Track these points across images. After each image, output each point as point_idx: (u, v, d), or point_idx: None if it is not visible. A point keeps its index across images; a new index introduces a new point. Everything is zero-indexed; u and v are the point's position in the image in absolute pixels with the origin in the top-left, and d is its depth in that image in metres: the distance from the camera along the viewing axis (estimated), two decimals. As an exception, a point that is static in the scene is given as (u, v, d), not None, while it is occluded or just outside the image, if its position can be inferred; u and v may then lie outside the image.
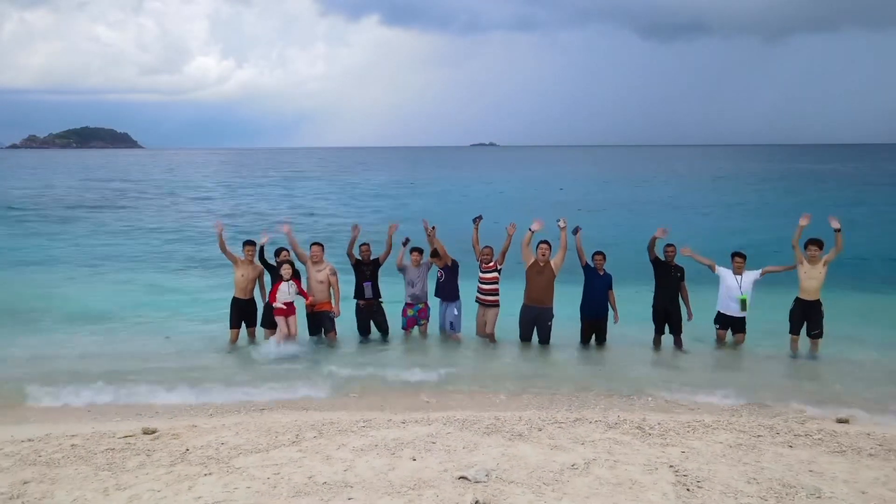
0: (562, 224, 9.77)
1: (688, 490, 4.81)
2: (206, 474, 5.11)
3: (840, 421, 7.29)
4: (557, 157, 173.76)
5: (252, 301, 10.09)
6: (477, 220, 10.13)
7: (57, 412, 7.39)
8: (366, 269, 10.13)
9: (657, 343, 10.25)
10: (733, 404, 7.56)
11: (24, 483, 5.00)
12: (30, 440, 6.15)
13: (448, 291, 10.25)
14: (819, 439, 5.99)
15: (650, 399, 7.76)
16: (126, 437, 6.13)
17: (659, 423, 6.40)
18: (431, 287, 10.30)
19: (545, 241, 9.86)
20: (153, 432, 6.27)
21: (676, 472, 5.15)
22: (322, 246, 10.22)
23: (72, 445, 5.92)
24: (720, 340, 10.23)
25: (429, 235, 10.05)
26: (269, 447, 5.73)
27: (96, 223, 28.15)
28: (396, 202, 38.55)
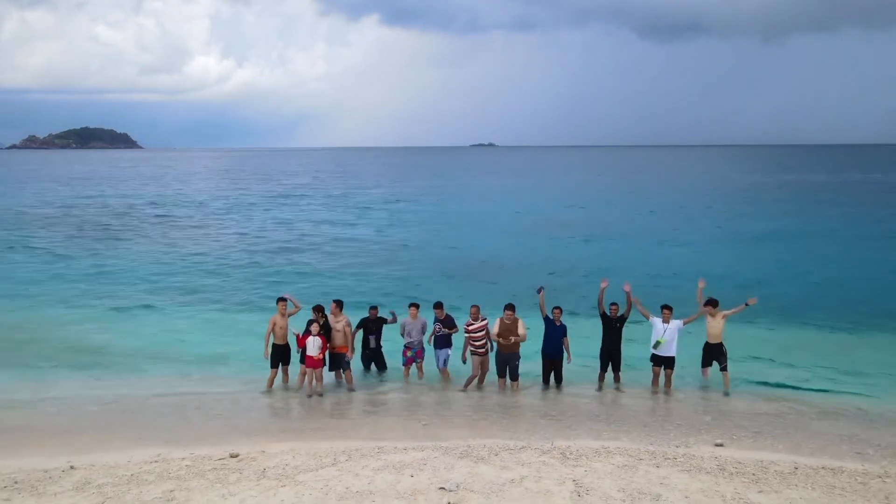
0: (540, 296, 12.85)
1: (580, 496, 7.91)
2: (281, 486, 8.22)
3: (717, 445, 10.40)
4: (556, 159, 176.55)
5: (287, 346, 13.16)
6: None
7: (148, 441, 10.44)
8: (372, 326, 13.29)
9: (601, 379, 13.33)
10: (638, 434, 10.66)
11: (171, 491, 8.11)
12: (154, 461, 9.26)
13: (444, 341, 13.39)
14: (678, 461, 9.10)
15: (579, 430, 10.87)
16: (220, 459, 9.25)
17: (577, 450, 9.52)
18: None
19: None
20: (237, 456, 9.39)
21: (577, 484, 8.25)
22: (341, 303, 13.34)
23: (187, 466, 9.03)
24: (655, 376, 13.27)
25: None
26: (318, 467, 8.83)
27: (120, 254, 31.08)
28: (376, 231, 38.81)
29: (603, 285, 13.18)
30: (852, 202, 53.83)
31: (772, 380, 13.53)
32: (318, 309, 12.91)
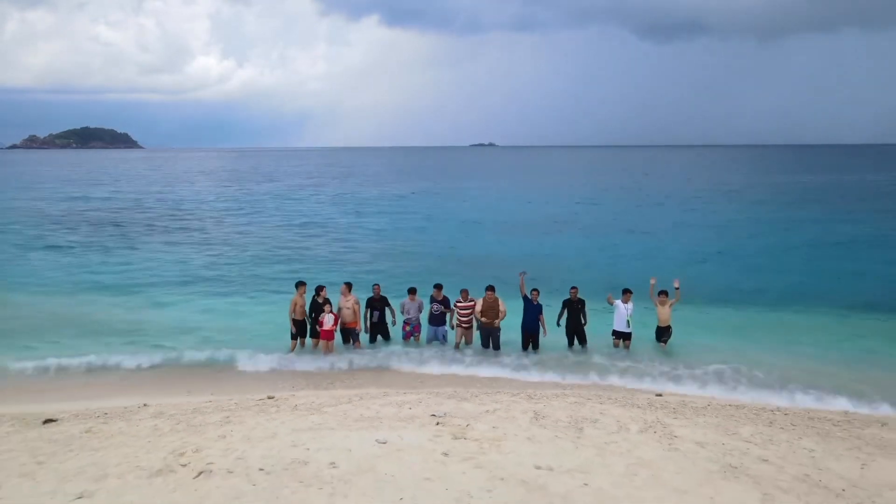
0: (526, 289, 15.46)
1: (536, 420, 10.50)
2: (311, 414, 10.81)
3: (657, 395, 12.98)
4: (556, 161, 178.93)
5: (304, 321, 15.74)
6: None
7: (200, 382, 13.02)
8: (376, 304, 15.84)
9: (569, 347, 15.91)
10: (591, 382, 13.26)
11: (227, 417, 10.70)
12: (208, 402, 11.86)
13: (440, 319, 15.97)
14: (618, 400, 11.69)
15: (544, 380, 13.47)
16: (260, 399, 11.85)
17: (540, 393, 12.12)
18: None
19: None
20: (273, 398, 11.99)
21: (536, 413, 10.84)
22: (350, 285, 15.93)
23: (235, 403, 11.63)
24: (615, 346, 15.87)
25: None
26: (337, 404, 11.43)
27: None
28: (384, 227, 41.34)
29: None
30: (822, 208, 56.32)
31: (708, 352, 16.08)
32: (321, 287, 15.50)
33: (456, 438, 9.27)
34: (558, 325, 15.77)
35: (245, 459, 8.40)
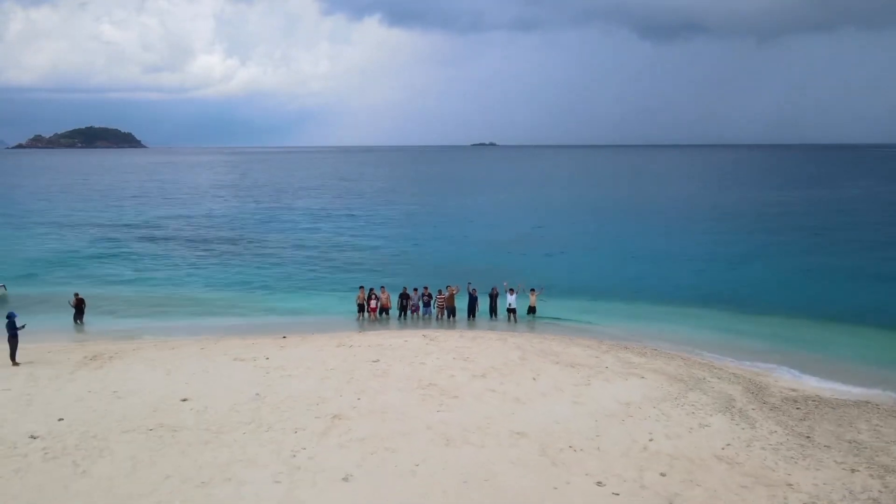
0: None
1: (465, 361, 16.80)
2: (359, 345, 17.26)
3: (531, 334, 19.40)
4: (554, 165, 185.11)
5: (362, 304, 22.54)
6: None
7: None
8: (403, 299, 22.78)
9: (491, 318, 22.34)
10: (499, 333, 19.70)
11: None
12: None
13: (427, 303, 22.78)
14: (519, 339, 18.12)
15: (467, 329, 19.96)
16: (339, 345, 18.31)
17: (465, 335, 18.64)
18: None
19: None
20: (344, 345, 18.49)
21: (465, 358, 17.16)
22: (384, 287, 23.03)
23: (328, 337, 18.15)
24: (508, 318, 22.25)
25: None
26: (364, 338, 17.94)
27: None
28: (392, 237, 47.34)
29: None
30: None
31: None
32: (366, 289, 22.97)
33: (432, 342, 15.81)
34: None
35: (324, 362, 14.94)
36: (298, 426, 12.08)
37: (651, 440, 11.57)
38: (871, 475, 10.42)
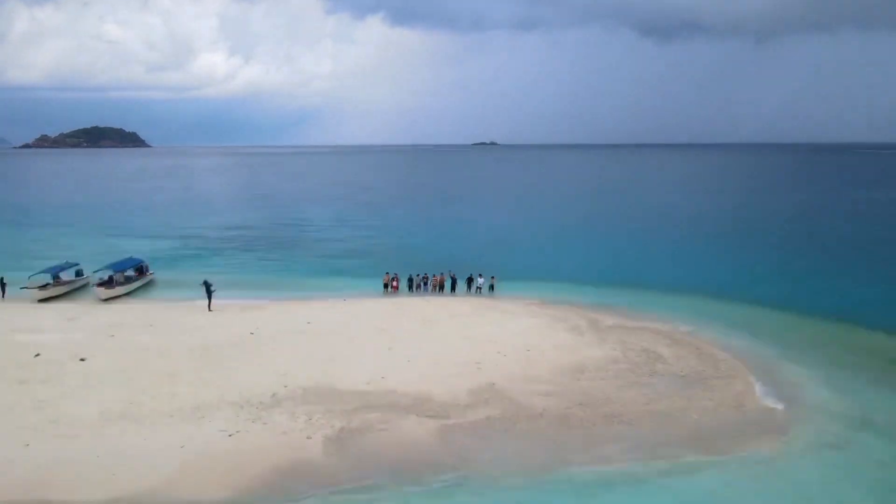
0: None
1: (445, 310, 29.27)
2: (360, 303, 29.77)
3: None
4: (557, 161, 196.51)
5: (387, 284, 34.71)
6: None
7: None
8: (412, 279, 34.94)
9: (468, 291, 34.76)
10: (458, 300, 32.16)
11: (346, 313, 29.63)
12: (333, 302, 30.80)
13: (425, 283, 35.06)
14: (465, 302, 30.59)
15: (448, 296, 32.42)
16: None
17: (450, 300, 31.10)
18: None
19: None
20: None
21: (445, 308, 29.58)
22: (397, 275, 35.16)
23: (343, 300, 30.64)
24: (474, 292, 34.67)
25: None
26: (393, 303, 30.45)
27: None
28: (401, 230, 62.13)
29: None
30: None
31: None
32: (390, 274, 34.71)
33: (428, 303, 28.36)
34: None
35: (335, 319, 27.54)
36: (371, 334, 24.78)
37: (528, 340, 24.14)
38: (620, 351, 23.06)
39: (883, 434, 17.80)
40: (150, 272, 37.03)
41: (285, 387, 19.61)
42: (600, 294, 33.65)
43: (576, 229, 61.45)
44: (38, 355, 21.66)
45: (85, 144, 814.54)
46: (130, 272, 35.24)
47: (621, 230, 60.63)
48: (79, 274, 35.67)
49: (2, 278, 32.02)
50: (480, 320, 27.24)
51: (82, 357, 21.67)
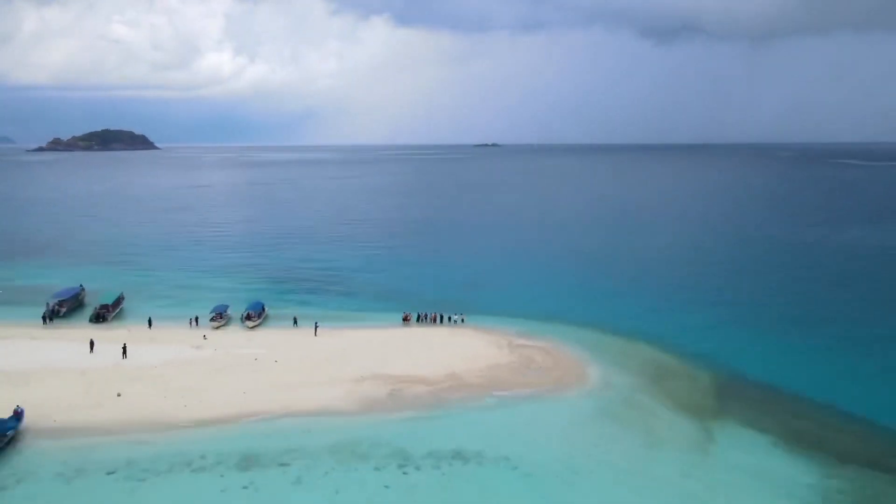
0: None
1: (425, 341, 54.78)
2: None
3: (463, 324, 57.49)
4: (547, 167, 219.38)
5: (406, 318, 60.13)
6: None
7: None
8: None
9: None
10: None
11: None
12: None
13: None
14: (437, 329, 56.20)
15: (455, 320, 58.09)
16: None
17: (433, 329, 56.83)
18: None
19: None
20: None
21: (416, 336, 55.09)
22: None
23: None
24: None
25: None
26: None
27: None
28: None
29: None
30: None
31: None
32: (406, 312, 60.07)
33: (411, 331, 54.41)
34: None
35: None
36: (403, 345, 50.25)
37: (473, 350, 49.63)
38: (517, 357, 48.83)
39: (630, 392, 43.02)
40: (266, 311, 62.71)
41: (371, 373, 44.96)
42: (525, 324, 58.67)
43: (530, 265, 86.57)
44: (256, 360, 47.26)
45: (96, 147, 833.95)
46: (259, 308, 60.42)
47: (559, 265, 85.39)
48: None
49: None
50: (452, 340, 52.37)
51: (276, 359, 47.27)
